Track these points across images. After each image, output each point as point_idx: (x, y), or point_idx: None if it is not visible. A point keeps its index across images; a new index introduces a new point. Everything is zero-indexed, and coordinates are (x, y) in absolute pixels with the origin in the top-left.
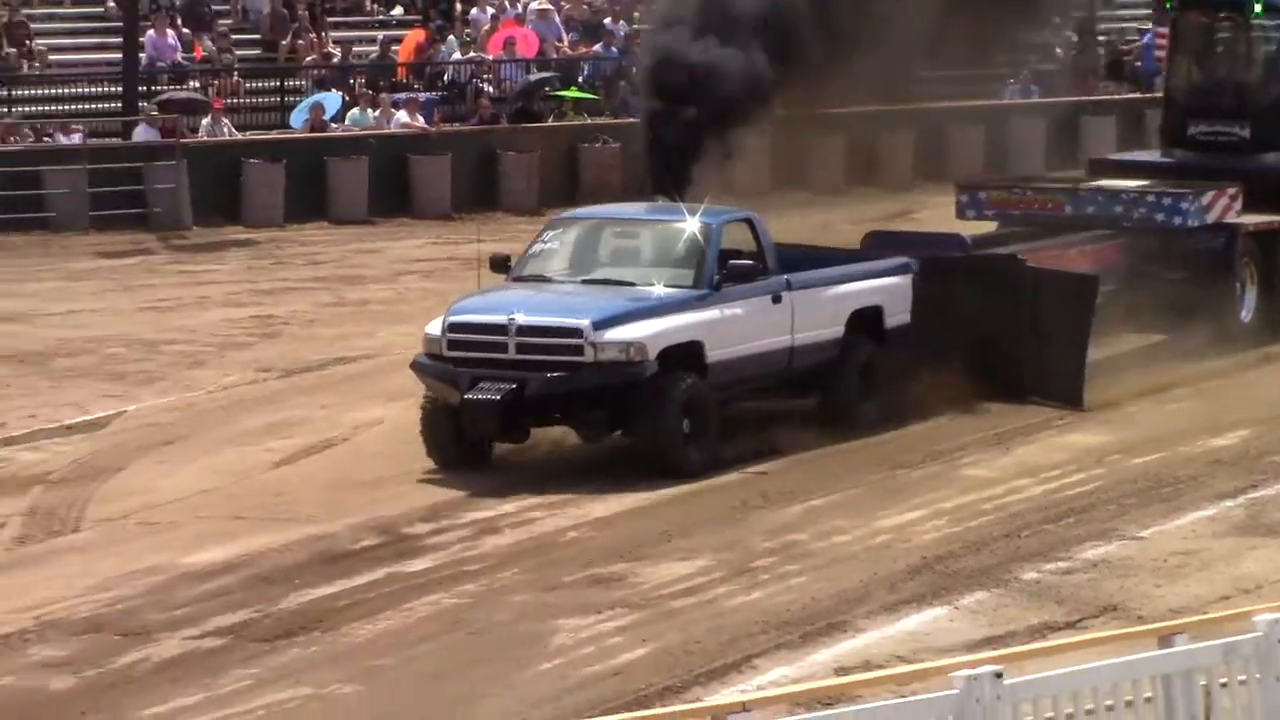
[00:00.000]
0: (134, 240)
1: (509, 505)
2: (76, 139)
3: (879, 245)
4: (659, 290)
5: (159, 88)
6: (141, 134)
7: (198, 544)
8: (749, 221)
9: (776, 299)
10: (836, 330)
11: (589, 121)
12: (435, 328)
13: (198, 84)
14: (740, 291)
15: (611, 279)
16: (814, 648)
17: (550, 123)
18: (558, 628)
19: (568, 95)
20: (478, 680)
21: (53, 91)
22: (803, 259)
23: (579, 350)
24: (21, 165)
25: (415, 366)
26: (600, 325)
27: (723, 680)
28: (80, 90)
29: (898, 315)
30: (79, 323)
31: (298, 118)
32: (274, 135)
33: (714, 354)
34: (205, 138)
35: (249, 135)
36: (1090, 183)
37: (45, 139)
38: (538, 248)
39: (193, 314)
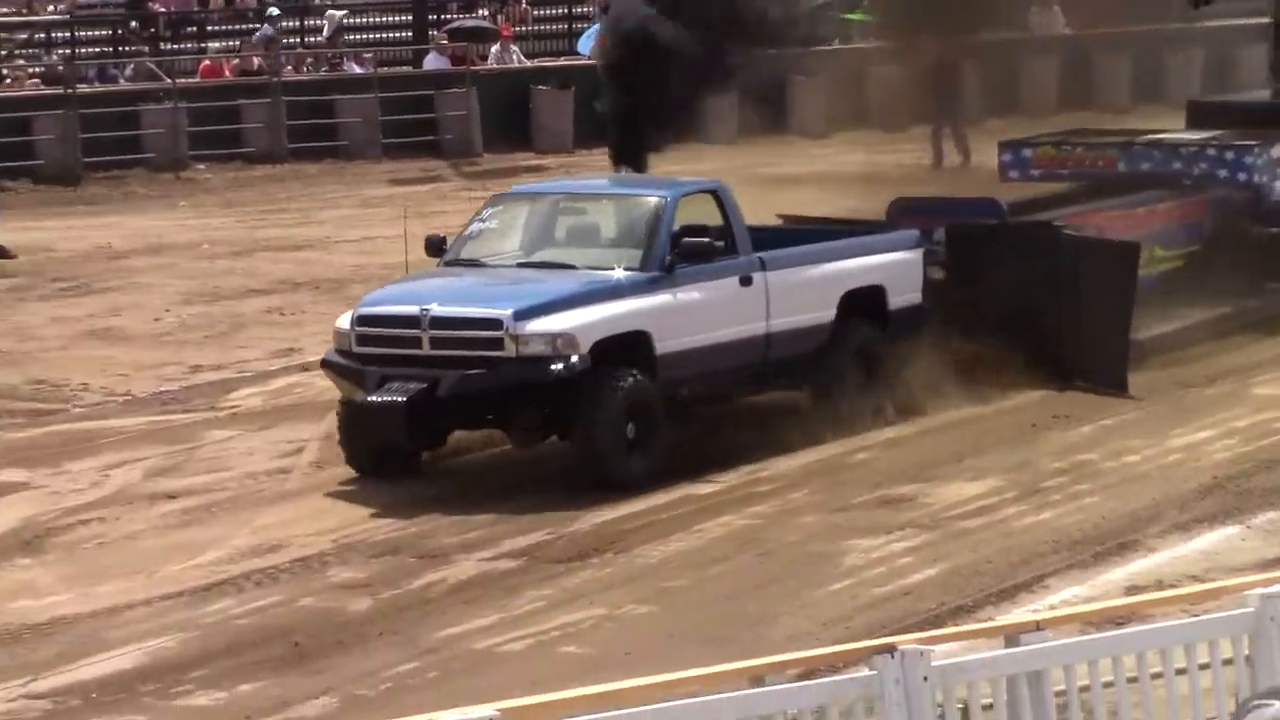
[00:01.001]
0: (425, 168)
1: (798, 427)
2: (368, 68)
3: (905, 213)
4: (601, 274)
5: (448, 16)
6: (432, 62)
7: (490, 467)
8: (715, 194)
9: (746, 281)
10: (825, 314)
11: (878, 45)
12: (345, 321)
13: (486, 12)
14: (699, 273)
15: (550, 262)
16: (1106, 567)
17: (836, 46)
18: (848, 548)
19: (854, 18)
20: (769, 600)
21: (344, 21)
22: (795, 235)
23: (499, 344)
24: (315, 95)
25: (325, 365)
26: (523, 315)
27: (1014, 600)
28: (371, 20)
29: (905, 295)
30: (373, 249)
31: (585, 44)
32: (562, 62)
33: (665, 345)
34: (494, 65)
35: (537, 62)
36: (1147, 135)
37: (337, 69)
38: (475, 227)
39: None
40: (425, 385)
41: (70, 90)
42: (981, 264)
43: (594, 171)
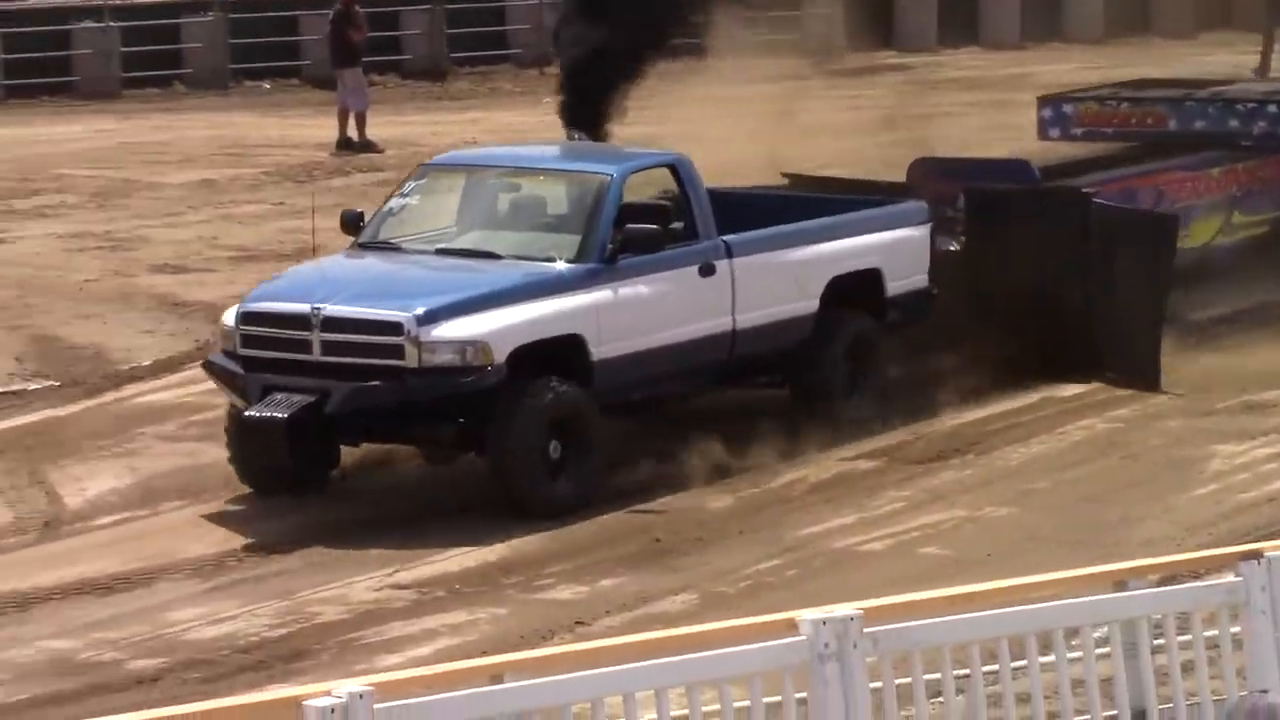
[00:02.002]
0: (785, 66)
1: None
2: None
3: (927, 175)
4: (528, 266)
5: None
6: None
7: None
8: (673, 167)
9: (708, 270)
10: (806, 305)
11: None
12: (230, 316)
13: None
14: (648, 264)
15: (474, 249)
16: None
17: None
18: (1212, 453)
19: None
20: (1132, 503)
21: None
22: (788, 203)
23: (399, 352)
24: None
25: (208, 367)
26: (429, 318)
27: None
28: None
29: (907, 279)
30: (736, 150)
31: None
32: None
33: (604, 350)
34: None
35: None
36: (1203, 90)
37: None
38: (395, 203)
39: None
40: (312, 399)
41: None
42: (1003, 235)
43: (959, 70)
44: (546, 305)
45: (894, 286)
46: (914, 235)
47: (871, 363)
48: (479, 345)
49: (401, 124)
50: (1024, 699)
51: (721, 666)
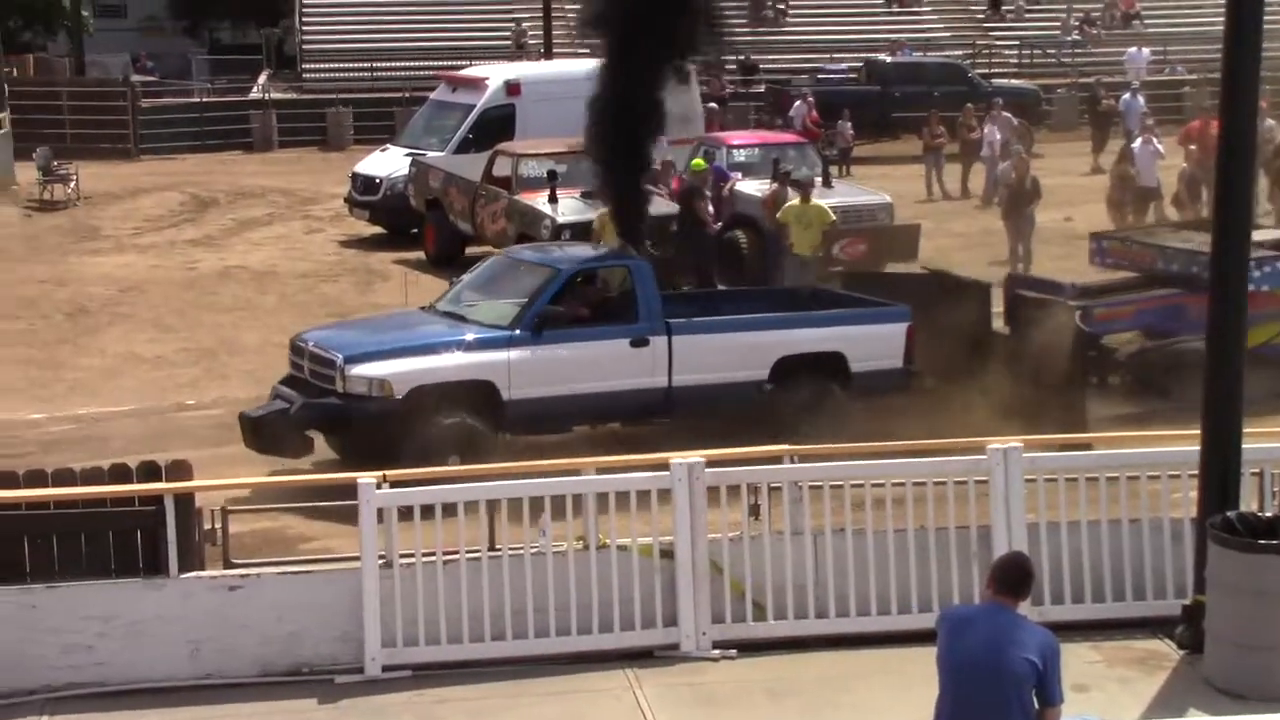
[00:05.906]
0: None
1: None
2: None
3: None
4: (474, 328)
5: None
6: None
7: None
8: (628, 268)
9: (640, 343)
10: (754, 372)
11: None
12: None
13: None
14: (574, 335)
15: (453, 313)
16: None
17: None
18: None
19: None
20: None
21: None
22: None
23: (334, 380)
24: None
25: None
26: (350, 360)
27: None
28: None
29: (876, 360)
30: None
31: None
32: None
33: (514, 394)
34: None
35: None
36: (1182, 239)
37: None
38: (466, 276)
39: None
40: (284, 406)
41: None
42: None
43: None
44: (463, 358)
45: (860, 365)
46: (892, 329)
47: (821, 412)
48: (382, 381)
49: None
50: None
51: None
